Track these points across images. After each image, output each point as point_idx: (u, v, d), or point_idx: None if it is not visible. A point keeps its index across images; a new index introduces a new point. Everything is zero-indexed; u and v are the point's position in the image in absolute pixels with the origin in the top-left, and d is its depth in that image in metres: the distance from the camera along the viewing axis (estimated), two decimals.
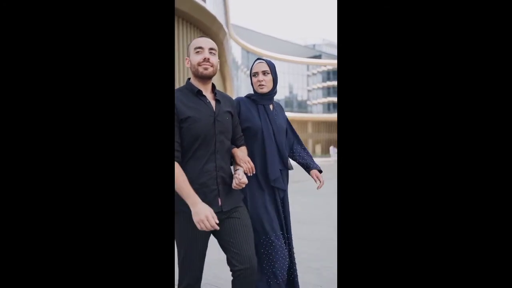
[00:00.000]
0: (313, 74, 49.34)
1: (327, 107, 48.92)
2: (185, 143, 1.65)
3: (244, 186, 1.70)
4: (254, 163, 1.87)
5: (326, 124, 47.22)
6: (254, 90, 2.10)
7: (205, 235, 1.68)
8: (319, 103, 49.38)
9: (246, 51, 41.34)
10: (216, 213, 1.61)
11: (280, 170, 2.04)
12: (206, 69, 1.68)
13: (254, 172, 1.80)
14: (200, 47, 1.70)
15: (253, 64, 2.10)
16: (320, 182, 2.18)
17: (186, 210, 1.59)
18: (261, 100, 2.06)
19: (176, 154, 1.62)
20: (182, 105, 1.65)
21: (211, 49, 1.71)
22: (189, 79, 1.77)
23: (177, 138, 1.63)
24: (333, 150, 29.77)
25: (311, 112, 48.79)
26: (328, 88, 48.49)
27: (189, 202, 1.56)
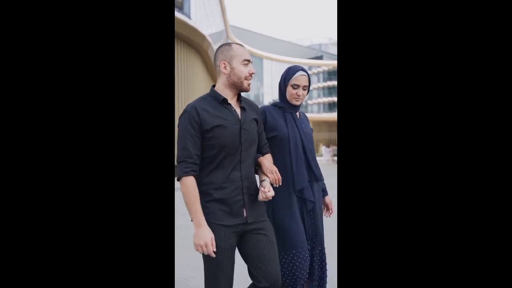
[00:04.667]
0: (314, 73, 49.83)
1: (328, 107, 49.38)
2: (211, 152, 1.62)
3: (271, 198, 1.66)
4: (281, 173, 1.77)
5: (327, 123, 47.61)
6: (282, 98, 2.03)
7: (232, 247, 1.64)
8: (319, 102, 49.94)
9: None
10: (240, 224, 1.63)
11: (309, 181, 1.96)
12: (249, 84, 1.69)
13: (280, 184, 1.72)
14: (248, 60, 1.67)
15: (294, 74, 1.98)
16: (330, 210, 2.15)
17: (214, 222, 1.59)
18: (289, 108, 2.01)
19: (194, 167, 1.57)
20: (207, 116, 1.61)
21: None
22: (213, 86, 1.72)
23: (196, 150, 1.59)
24: (325, 150, 30.23)
25: (311, 111, 49.19)
26: (329, 88, 48.85)
27: (194, 221, 1.56)
